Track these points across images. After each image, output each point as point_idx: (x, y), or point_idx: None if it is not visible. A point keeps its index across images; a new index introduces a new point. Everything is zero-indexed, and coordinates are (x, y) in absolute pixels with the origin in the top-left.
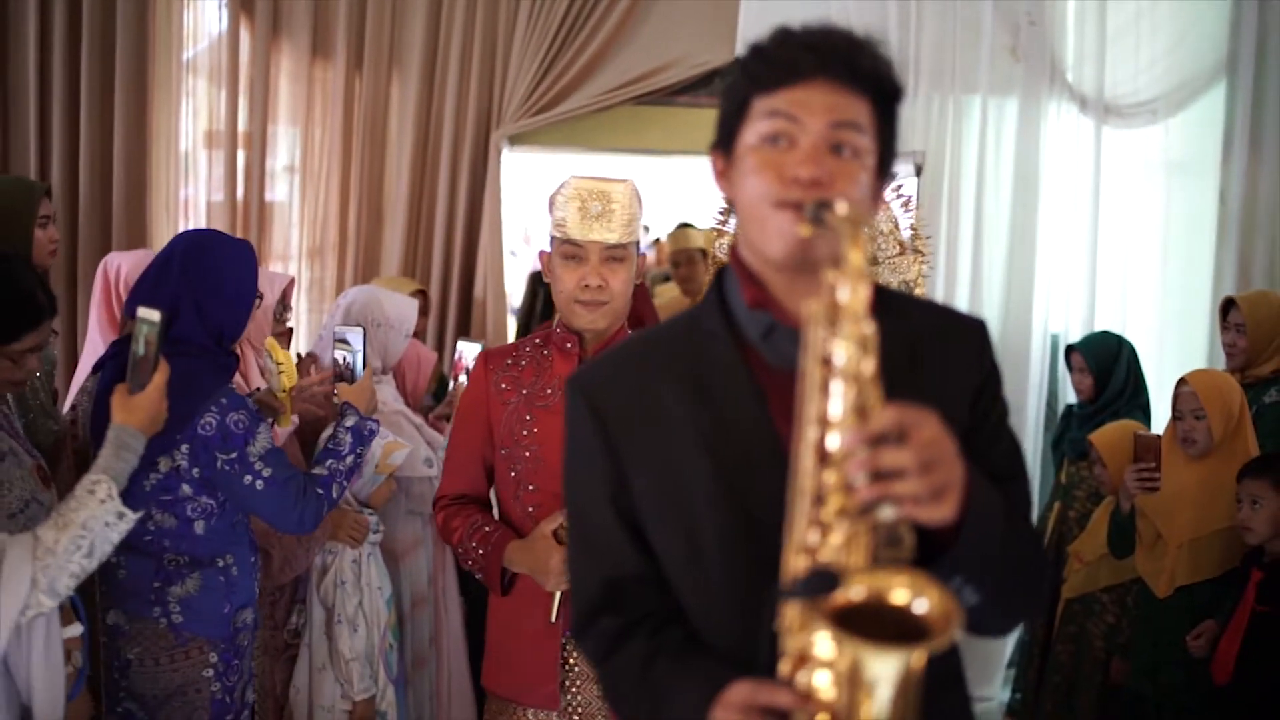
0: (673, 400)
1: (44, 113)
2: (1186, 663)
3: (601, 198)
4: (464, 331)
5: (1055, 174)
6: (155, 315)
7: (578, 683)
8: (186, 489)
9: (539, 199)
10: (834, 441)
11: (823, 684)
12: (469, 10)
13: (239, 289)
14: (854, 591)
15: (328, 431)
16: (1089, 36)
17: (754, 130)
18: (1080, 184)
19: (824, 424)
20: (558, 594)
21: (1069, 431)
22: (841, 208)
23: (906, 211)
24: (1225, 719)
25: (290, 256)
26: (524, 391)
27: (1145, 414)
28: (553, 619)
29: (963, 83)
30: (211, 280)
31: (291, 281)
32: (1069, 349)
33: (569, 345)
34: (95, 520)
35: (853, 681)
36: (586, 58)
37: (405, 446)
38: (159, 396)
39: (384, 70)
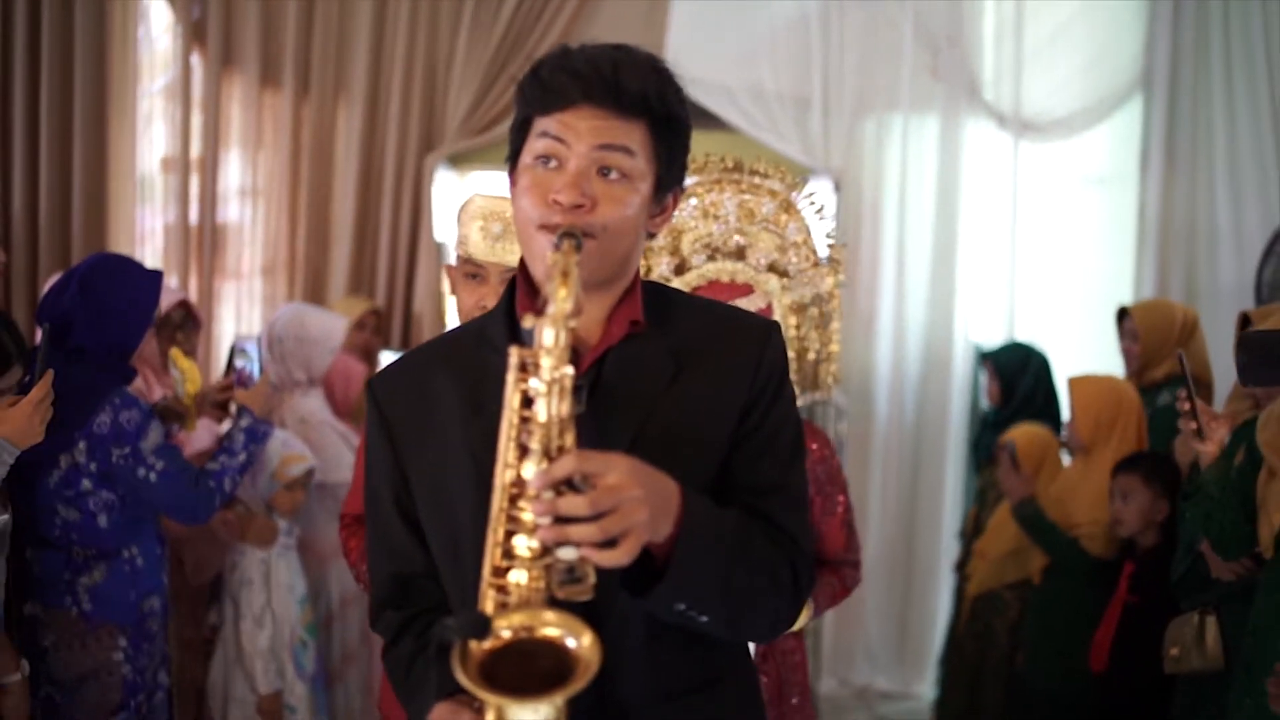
0: (450, 407)
1: (6, 135)
2: (1068, 653)
3: (503, 219)
4: (405, 345)
5: (975, 188)
6: (46, 331)
7: None
8: (87, 484)
9: None
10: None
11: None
12: (410, 40)
13: (133, 309)
14: (505, 633)
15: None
16: (1006, 55)
17: (530, 149)
18: (999, 198)
19: (518, 464)
20: None
21: (982, 437)
22: (564, 246)
23: (821, 220)
24: (1104, 705)
25: (243, 275)
26: None
27: (1055, 422)
28: None
29: (885, 101)
30: (106, 299)
31: (182, 301)
32: (981, 356)
33: None
34: None
35: None
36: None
37: (305, 460)
38: (30, 409)
39: (330, 97)
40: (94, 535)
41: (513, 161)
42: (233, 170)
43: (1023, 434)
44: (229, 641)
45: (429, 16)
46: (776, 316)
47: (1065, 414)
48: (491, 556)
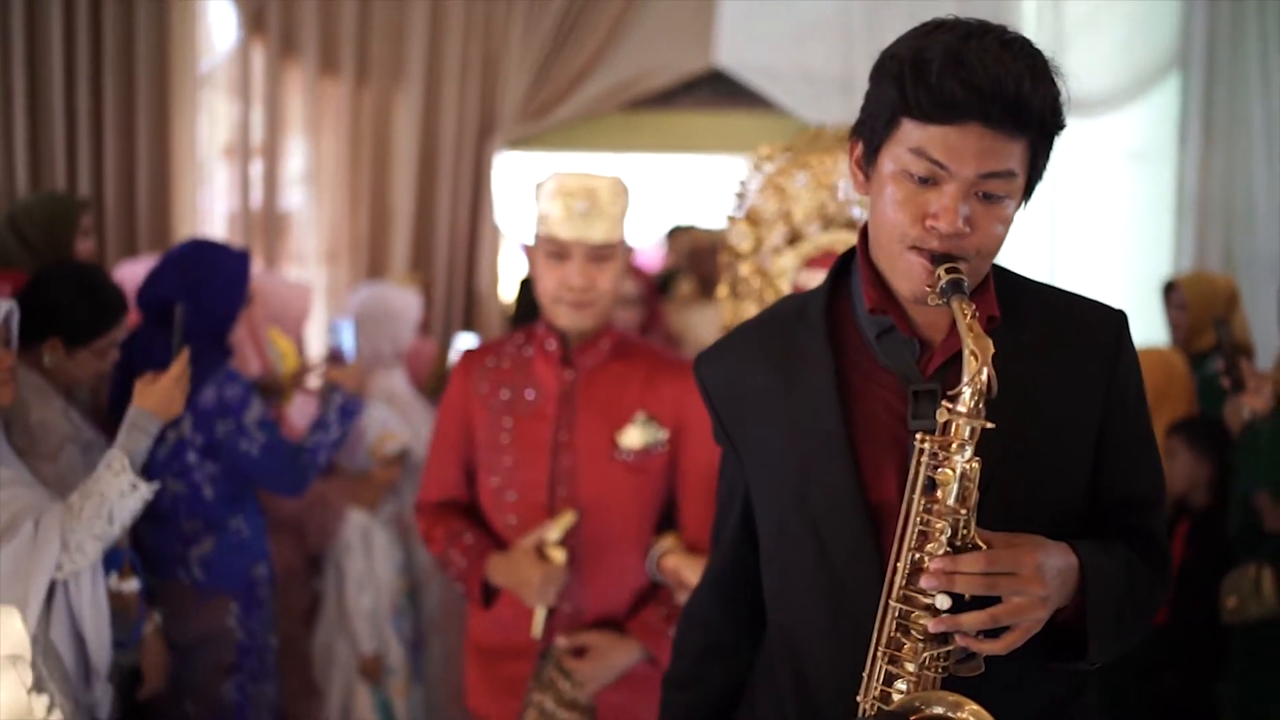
0: (768, 388)
1: (71, 128)
2: None
3: (587, 195)
4: (468, 327)
5: None
6: (179, 311)
7: (548, 700)
8: (193, 457)
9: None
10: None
11: None
12: (466, 26)
13: (228, 288)
14: (921, 707)
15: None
16: (1046, 35)
17: (900, 156)
18: None
19: (921, 549)
20: (541, 609)
21: None
22: (965, 305)
23: None
24: (1162, 654)
25: (305, 259)
26: (504, 395)
27: None
28: (536, 634)
29: None
30: (203, 280)
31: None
32: None
33: (551, 345)
34: (112, 490)
35: None
36: (575, 68)
37: (399, 439)
38: (170, 384)
39: (388, 84)
40: (201, 507)
41: (868, 149)
42: (293, 157)
43: None
44: (332, 606)
45: (485, 2)
46: None
47: None
48: (886, 629)
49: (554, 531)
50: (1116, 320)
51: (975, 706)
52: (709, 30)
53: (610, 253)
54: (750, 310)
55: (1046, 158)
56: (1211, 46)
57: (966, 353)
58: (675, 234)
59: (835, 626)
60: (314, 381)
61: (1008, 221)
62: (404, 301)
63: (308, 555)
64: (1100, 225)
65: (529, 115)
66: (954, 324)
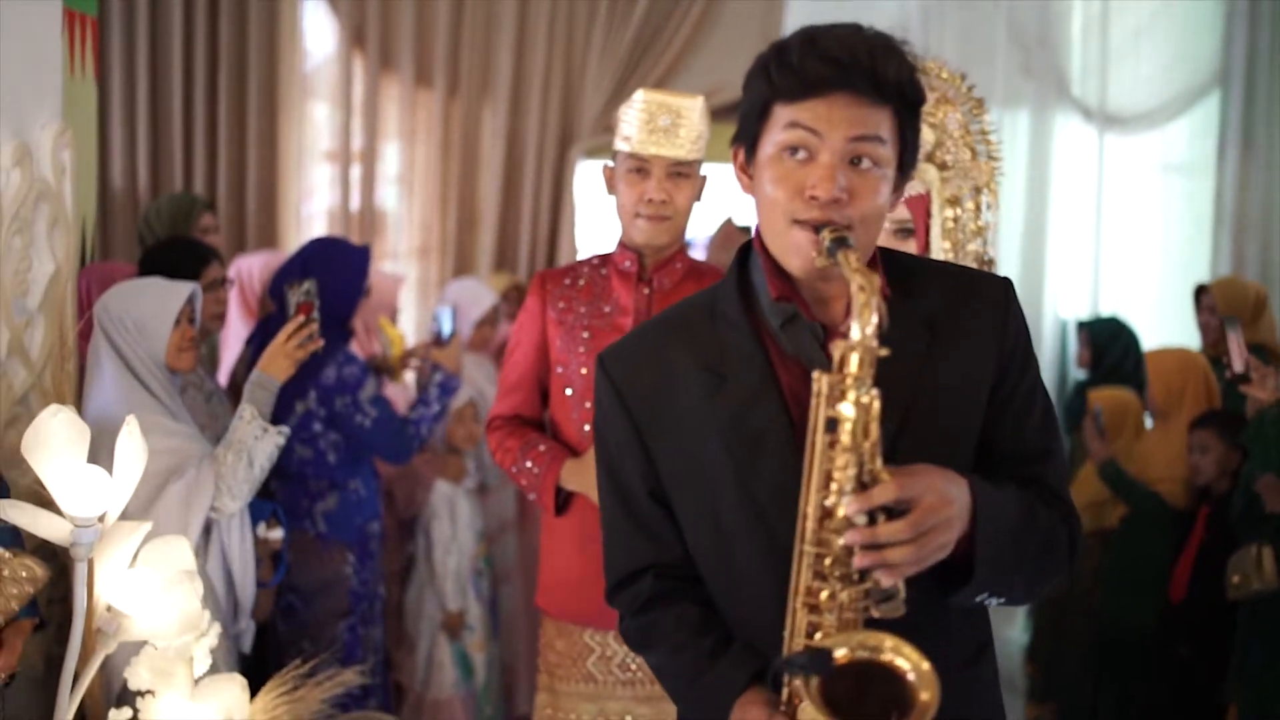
0: (690, 384)
1: (188, 133)
2: (1148, 587)
3: (670, 112)
4: None
5: (1063, 177)
6: (310, 284)
7: None
8: (318, 426)
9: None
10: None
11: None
12: (549, 43)
13: (352, 279)
14: (848, 650)
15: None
16: (1092, 54)
17: (774, 138)
18: (1086, 185)
19: (826, 489)
20: None
21: (1073, 403)
22: (854, 257)
23: (977, 117)
24: (1181, 630)
25: (398, 257)
26: (581, 310)
27: (1141, 389)
28: None
29: (980, 96)
30: (330, 272)
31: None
32: (1079, 326)
33: (627, 264)
34: (248, 436)
35: None
36: (650, 83)
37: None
38: (278, 348)
39: (476, 95)
40: (325, 469)
41: (748, 147)
42: (389, 162)
43: (1109, 397)
44: (422, 567)
45: (566, 20)
46: (934, 207)
47: None
48: (803, 577)
49: None
50: (1003, 285)
51: (902, 642)
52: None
53: (689, 170)
54: None
55: (914, 131)
56: (1251, 66)
57: (854, 288)
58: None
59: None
60: (414, 364)
61: (885, 193)
62: (475, 295)
63: (398, 520)
64: (1142, 235)
65: (606, 127)
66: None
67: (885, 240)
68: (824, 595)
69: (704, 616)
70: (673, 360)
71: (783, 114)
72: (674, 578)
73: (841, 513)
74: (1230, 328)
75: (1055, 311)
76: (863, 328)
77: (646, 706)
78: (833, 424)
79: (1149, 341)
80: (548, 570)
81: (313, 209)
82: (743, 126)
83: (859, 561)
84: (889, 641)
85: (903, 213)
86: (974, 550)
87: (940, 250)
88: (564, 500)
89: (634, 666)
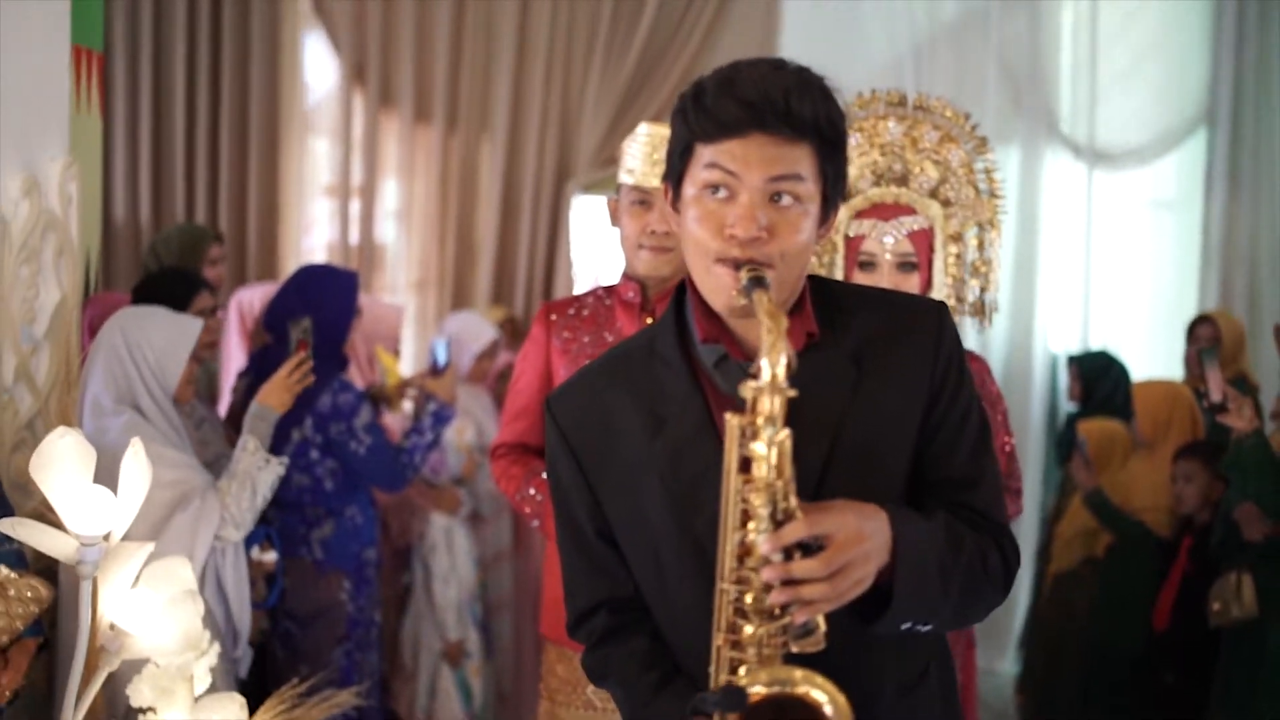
0: (630, 426)
1: (190, 166)
2: (1134, 615)
3: None
4: None
5: (1053, 212)
6: (306, 322)
7: None
8: (314, 454)
9: (611, 235)
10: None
11: None
12: (546, 80)
13: (342, 303)
14: (765, 687)
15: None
16: (1081, 92)
17: (696, 177)
18: (1075, 221)
19: (743, 527)
20: None
21: (1064, 435)
22: (767, 299)
23: (980, 155)
24: (1164, 656)
25: (397, 290)
26: (585, 340)
27: (1129, 422)
28: None
29: None
30: (320, 299)
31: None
32: (1069, 360)
33: (631, 295)
34: (251, 467)
35: None
36: (646, 118)
37: (466, 429)
38: (280, 381)
39: (475, 132)
40: (322, 496)
41: (674, 186)
42: (388, 196)
43: (1094, 428)
44: (420, 598)
45: (563, 57)
46: (938, 242)
47: None
48: (724, 615)
49: None
50: (936, 309)
51: (815, 676)
52: None
53: None
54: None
55: (836, 164)
56: (1237, 104)
57: (763, 330)
58: None
59: None
60: (411, 394)
61: (808, 230)
62: (475, 329)
63: (393, 549)
64: (1131, 270)
65: (602, 162)
66: None
67: (888, 274)
68: (746, 631)
69: (651, 650)
70: (613, 404)
71: (703, 154)
72: (626, 611)
73: (759, 551)
74: (1208, 360)
75: (1046, 345)
76: (772, 367)
77: None
78: (746, 464)
79: (1139, 374)
80: (551, 597)
81: (313, 242)
82: (668, 165)
83: (775, 598)
84: (799, 674)
85: (906, 246)
86: (894, 577)
87: (943, 286)
88: None
89: None
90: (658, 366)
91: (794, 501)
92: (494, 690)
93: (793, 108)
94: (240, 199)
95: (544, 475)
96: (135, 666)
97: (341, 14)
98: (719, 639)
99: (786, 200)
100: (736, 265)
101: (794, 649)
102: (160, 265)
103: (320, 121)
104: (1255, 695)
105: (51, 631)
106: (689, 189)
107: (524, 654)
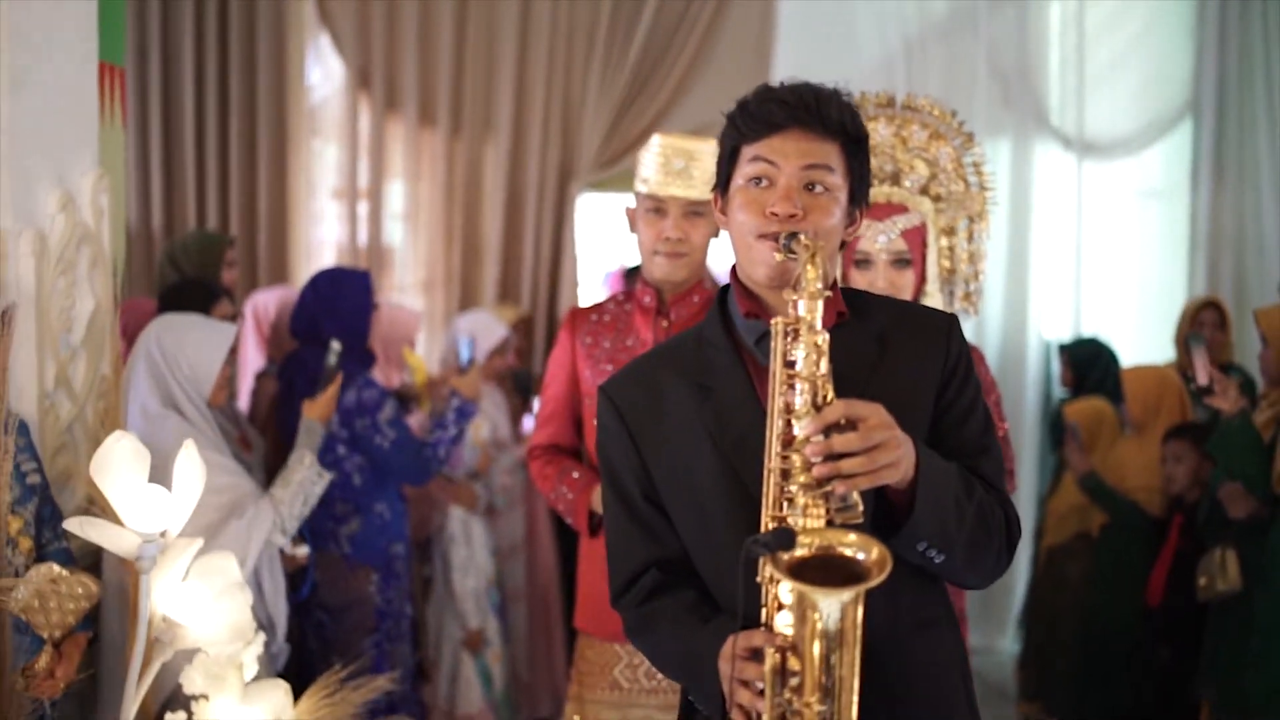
0: (680, 395)
1: (201, 171)
2: (1127, 591)
3: (684, 154)
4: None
5: (1044, 203)
6: (338, 345)
7: None
8: (342, 449)
9: (613, 233)
10: (797, 429)
11: (784, 623)
12: (548, 83)
13: (360, 302)
14: (808, 546)
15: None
16: (1069, 85)
17: (741, 174)
18: (1065, 211)
19: (788, 415)
20: None
21: (1057, 420)
22: (804, 239)
23: (968, 150)
24: (1158, 631)
25: (404, 290)
26: (606, 344)
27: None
28: None
29: None
30: (338, 299)
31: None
32: (1060, 348)
33: (648, 299)
34: (305, 479)
35: (803, 619)
36: (646, 120)
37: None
38: (329, 400)
39: (479, 134)
40: (350, 492)
41: (723, 188)
42: (395, 199)
43: (1080, 409)
44: (440, 588)
45: (565, 61)
46: (930, 237)
47: None
48: (770, 494)
49: None
50: (949, 319)
51: (856, 536)
52: (766, 81)
53: (704, 209)
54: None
55: (861, 165)
56: (1222, 94)
57: (801, 259)
58: None
59: None
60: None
61: (837, 215)
62: (487, 326)
63: (414, 542)
64: (1121, 258)
65: (605, 162)
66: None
67: (884, 271)
68: (792, 503)
69: (699, 600)
70: (664, 379)
71: (747, 153)
72: (674, 571)
73: (800, 434)
74: (1194, 344)
75: (1039, 333)
76: (811, 280)
77: (669, 715)
78: (791, 363)
79: (1129, 359)
80: (585, 591)
81: (322, 245)
82: (718, 173)
83: (817, 472)
84: (845, 536)
85: (900, 245)
86: (916, 493)
87: (935, 279)
88: (597, 523)
89: (660, 675)
90: (705, 349)
91: (831, 393)
92: (510, 678)
93: (823, 109)
94: (250, 203)
95: (574, 474)
96: (183, 656)
97: (346, 20)
98: (766, 516)
99: (819, 188)
100: (776, 236)
101: (836, 521)
102: (180, 272)
103: (327, 126)
104: (1241, 666)
105: (95, 626)
106: (736, 183)
107: (537, 643)
